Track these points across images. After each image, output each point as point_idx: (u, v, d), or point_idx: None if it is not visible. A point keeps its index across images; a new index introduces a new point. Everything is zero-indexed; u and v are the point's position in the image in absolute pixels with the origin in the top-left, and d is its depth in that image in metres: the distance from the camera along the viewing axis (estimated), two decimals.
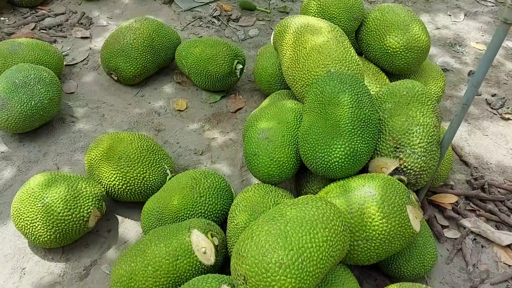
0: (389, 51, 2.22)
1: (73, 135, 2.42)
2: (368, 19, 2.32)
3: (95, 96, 2.69)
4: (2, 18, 3.28)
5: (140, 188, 1.93)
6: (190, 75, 2.68)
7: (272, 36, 2.44)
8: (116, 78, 2.71)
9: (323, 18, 2.33)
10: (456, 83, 2.88)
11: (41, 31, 3.17)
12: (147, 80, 2.82)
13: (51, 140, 2.38)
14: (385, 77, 2.29)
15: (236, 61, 2.60)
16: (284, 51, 2.20)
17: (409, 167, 1.68)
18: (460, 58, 3.11)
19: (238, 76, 2.66)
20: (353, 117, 1.62)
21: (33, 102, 2.23)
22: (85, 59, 2.97)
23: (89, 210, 1.78)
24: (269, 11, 3.56)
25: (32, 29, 3.18)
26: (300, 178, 1.94)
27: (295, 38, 2.11)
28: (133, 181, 1.91)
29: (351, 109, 1.63)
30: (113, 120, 2.53)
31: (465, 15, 3.54)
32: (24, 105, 2.20)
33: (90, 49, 3.05)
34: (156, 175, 1.95)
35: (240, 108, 2.67)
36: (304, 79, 2.00)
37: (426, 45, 2.22)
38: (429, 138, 1.71)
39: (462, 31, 3.42)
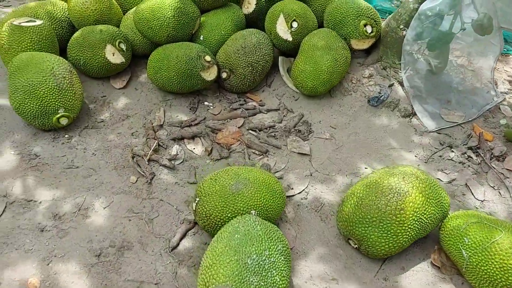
0: None
1: None
2: None
3: (321, 262, 1.95)
4: (206, 103, 2.77)
5: None
6: (463, 269, 1.80)
7: None
8: (355, 246, 1.94)
9: None
10: None
11: (250, 131, 2.57)
12: None
13: None
14: None
15: None
16: None
17: None
18: None
19: None
20: None
21: None
22: (303, 190, 2.27)
23: None
24: None
25: (239, 127, 2.60)
26: None
27: None
28: None
29: None
30: None
31: None
32: None
33: (311, 174, 2.34)
34: None
35: None
36: None
37: None
38: None
39: None
